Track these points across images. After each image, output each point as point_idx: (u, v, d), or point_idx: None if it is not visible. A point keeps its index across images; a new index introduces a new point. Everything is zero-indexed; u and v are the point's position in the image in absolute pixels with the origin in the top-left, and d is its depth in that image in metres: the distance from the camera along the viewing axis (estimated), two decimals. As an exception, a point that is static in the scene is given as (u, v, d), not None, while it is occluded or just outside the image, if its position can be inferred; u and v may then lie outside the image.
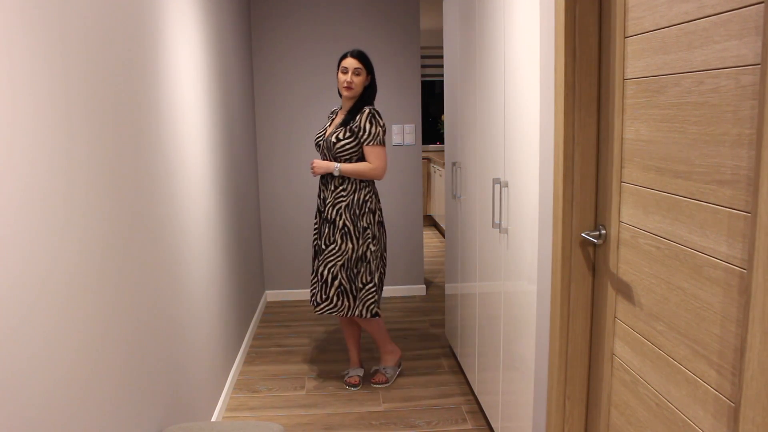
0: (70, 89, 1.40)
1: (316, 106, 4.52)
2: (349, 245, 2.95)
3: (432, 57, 7.52)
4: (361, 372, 3.29)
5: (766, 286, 1.04)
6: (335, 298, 3.01)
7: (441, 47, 7.32)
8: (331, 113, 3.20)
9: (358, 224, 2.95)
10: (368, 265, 2.99)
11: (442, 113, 6.06)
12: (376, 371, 3.30)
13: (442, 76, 7.31)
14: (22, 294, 1.18)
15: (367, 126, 2.89)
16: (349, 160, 2.94)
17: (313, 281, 3.09)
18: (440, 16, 6.32)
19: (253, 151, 4.35)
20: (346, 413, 2.95)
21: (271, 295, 4.74)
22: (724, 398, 1.22)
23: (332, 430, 2.79)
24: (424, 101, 5.86)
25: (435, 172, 7.18)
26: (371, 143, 2.91)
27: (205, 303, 2.68)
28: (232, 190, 3.44)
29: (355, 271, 2.98)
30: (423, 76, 5.72)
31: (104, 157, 1.59)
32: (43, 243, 1.26)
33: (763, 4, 1.06)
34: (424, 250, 5.97)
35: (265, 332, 4.06)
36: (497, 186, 2.35)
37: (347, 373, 3.30)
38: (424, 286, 4.86)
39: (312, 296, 3.10)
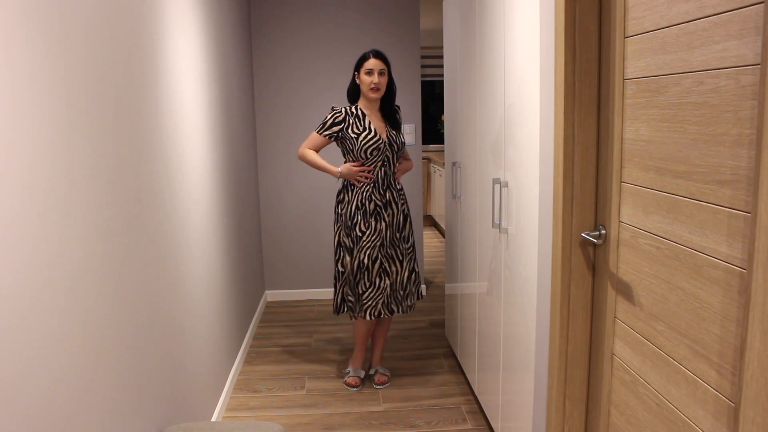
0: (71, 90, 1.40)
1: (316, 106, 4.52)
2: (413, 239, 3.20)
3: (432, 57, 7.51)
4: (362, 373, 3.29)
5: (766, 286, 1.04)
6: (415, 290, 3.20)
7: (441, 47, 7.31)
8: (349, 114, 3.02)
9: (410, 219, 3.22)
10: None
11: (442, 113, 6.06)
12: (376, 372, 3.30)
13: (442, 76, 7.30)
14: (23, 294, 1.18)
15: (405, 127, 3.28)
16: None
17: (377, 294, 3.05)
18: (440, 16, 6.31)
19: (253, 151, 4.35)
20: (346, 413, 2.95)
21: (271, 295, 4.74)
22: (724, 398, 1.22)
23: (332, 430, 2.79)
24: (424, 101, 5.85)
25: (435, 172, 7.18)
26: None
27: (205, 303, 2.68)
28: (232, 190, 3.44)
29: (414, 261, 3.20)
30: (423, 76, 5.71)
31: (104, 158, 1.59)
32: (44, 243, 1.26)
33: (763, 4, 1.06)
34: (424, 250, 5.97)
35: (265, 332, 4.06)
36: (497, 186, 2.35)
37: (348, 373, 3.30)
38: (424, 286, 4.86)
39: (371, 308, 3.06)
